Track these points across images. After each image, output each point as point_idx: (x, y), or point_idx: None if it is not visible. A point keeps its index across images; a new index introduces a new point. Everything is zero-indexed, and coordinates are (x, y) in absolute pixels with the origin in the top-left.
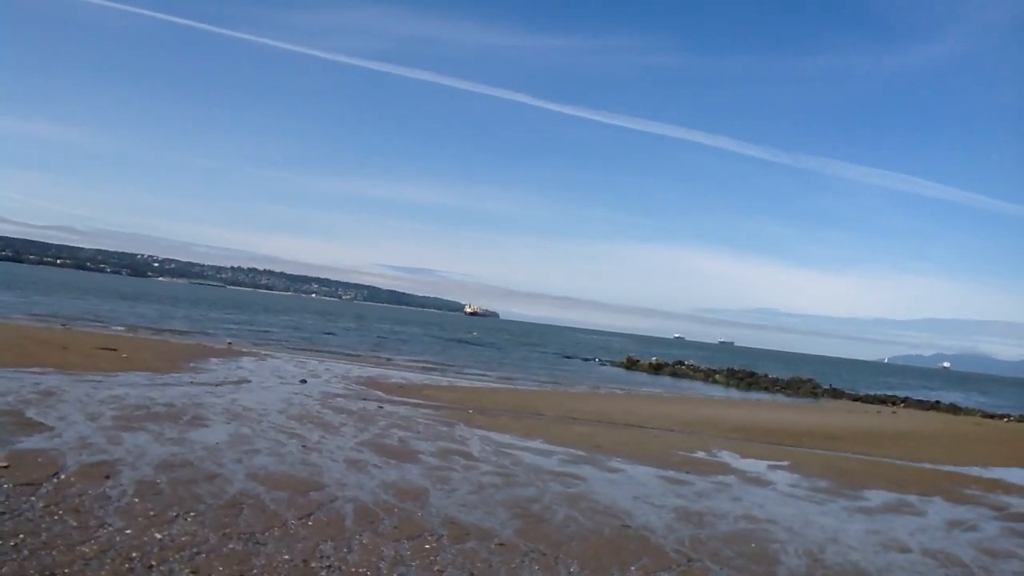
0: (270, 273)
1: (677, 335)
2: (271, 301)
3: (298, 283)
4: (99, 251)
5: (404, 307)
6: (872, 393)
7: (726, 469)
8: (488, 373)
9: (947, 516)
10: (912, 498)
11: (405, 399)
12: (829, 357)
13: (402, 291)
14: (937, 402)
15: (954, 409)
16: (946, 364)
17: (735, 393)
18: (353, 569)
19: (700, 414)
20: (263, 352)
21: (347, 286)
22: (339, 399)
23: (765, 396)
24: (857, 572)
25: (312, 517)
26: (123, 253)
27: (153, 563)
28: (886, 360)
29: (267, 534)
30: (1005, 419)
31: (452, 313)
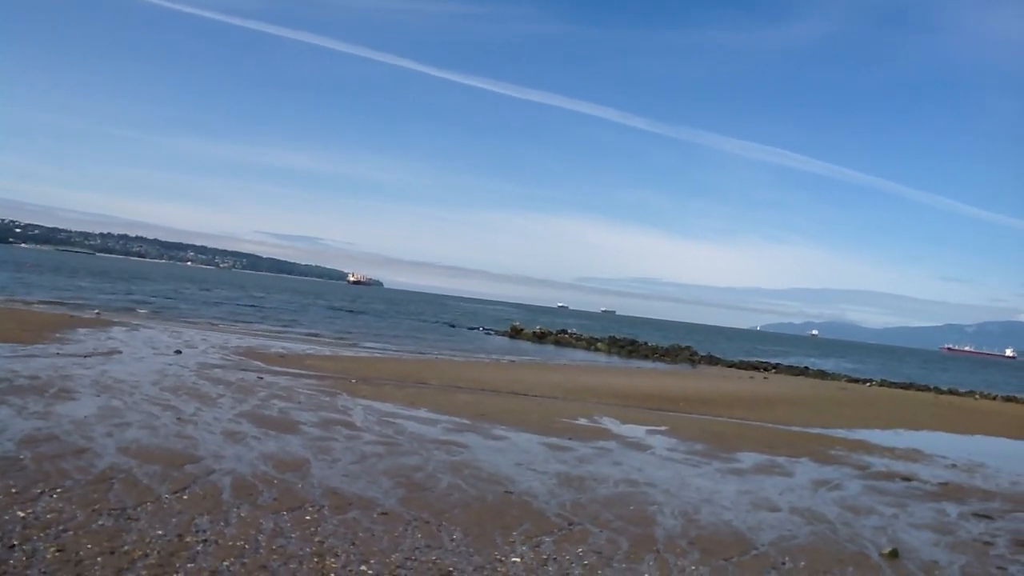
0: (143, 240)
1: (561, 304)
2: (144, 269)
3: (173, 250)
4: None
5: (285, 275)
6: (746, 360)
7: (607, 435)
8: (372, 343)
9: (814, 476)
10: (782, 459)
11: (286, 369)
12: (706, 325)
13: (283, 259)
14: (806, 368)
15: (821, 374)
16: (815, 332)
17: (617, 361)
18: (230, 543)
19: (582, 381)
20: (135, 322)
21: (225, 254)
22: (216, 370)
23: (645, 363)
24: (730, 531)
25: (187, 491)
26: None
27: (15, 542)
28: (759, 328)
29: (139, 509)
30: (868, 383)
31: (335, 282)
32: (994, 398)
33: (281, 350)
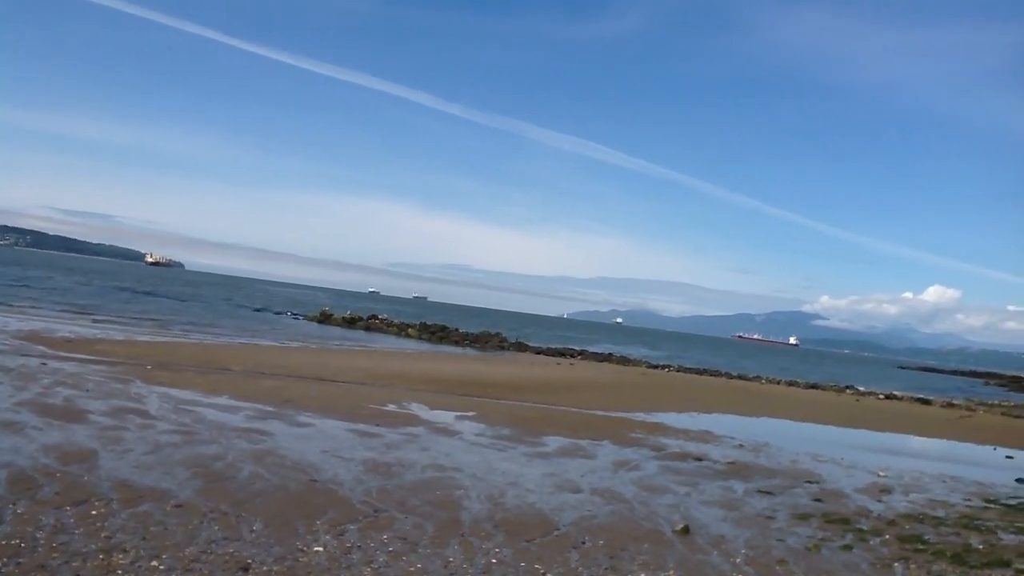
0: None
1: (372, 289)
2: None
3: None
4: None
5: (75, 255)
6: (554, 346)
7: (416, 420)
8: (171, 327)
9: (614, 458)
10: (585, 442)
11: (74, 354)
12: (516, 312)
13: (73, 237)
14: (610, 354)
15: (624, 361)
16: (619, 319)
17: (427, 347)
18: (4, 541)
19: (392, 367)
20: None
21: (6, 230)
22: None
23: (456, 350)
24: (534, 513)
25: None
26: None
27: None
28: (566, 315)
29: None
30: (666, 369)
31: (131, 263)
32: (778, 382)
33: (68, 334)
